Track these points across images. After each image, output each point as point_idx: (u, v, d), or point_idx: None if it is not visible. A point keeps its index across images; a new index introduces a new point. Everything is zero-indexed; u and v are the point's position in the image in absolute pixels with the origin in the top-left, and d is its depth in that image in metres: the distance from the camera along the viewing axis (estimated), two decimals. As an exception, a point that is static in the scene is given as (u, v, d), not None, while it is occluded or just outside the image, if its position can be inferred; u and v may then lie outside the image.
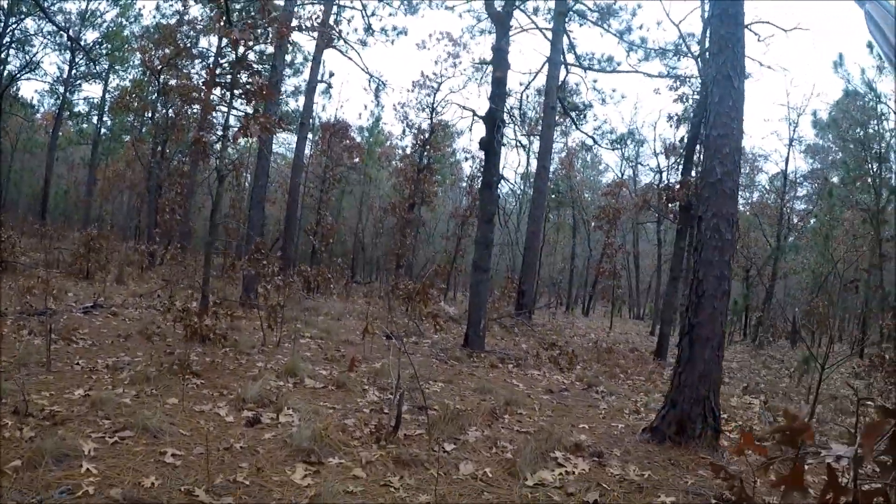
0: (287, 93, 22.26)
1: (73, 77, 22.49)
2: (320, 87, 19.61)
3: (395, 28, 19.83)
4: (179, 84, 17.03)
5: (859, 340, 16.46)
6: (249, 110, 8.79)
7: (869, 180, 17.31)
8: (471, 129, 33.99)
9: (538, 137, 17.69)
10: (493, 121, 9.19)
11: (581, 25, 19.04)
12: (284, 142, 27.40)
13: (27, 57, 20.38)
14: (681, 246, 11.37)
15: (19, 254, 11.28)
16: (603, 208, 20.66)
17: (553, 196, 24.84)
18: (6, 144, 22.95)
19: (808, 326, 15.54)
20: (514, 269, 23.26)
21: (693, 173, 12.05)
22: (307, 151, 21.76)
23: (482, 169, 10.61)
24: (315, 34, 8.73)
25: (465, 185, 24.70)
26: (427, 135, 20.03)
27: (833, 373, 9.59)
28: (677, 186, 11.73)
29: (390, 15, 22.55)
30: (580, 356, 9.55)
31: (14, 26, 19.03)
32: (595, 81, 32.84)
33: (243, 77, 8.62)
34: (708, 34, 11.52)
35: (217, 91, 15.62)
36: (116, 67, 23.02)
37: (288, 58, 21.51)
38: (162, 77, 17.84)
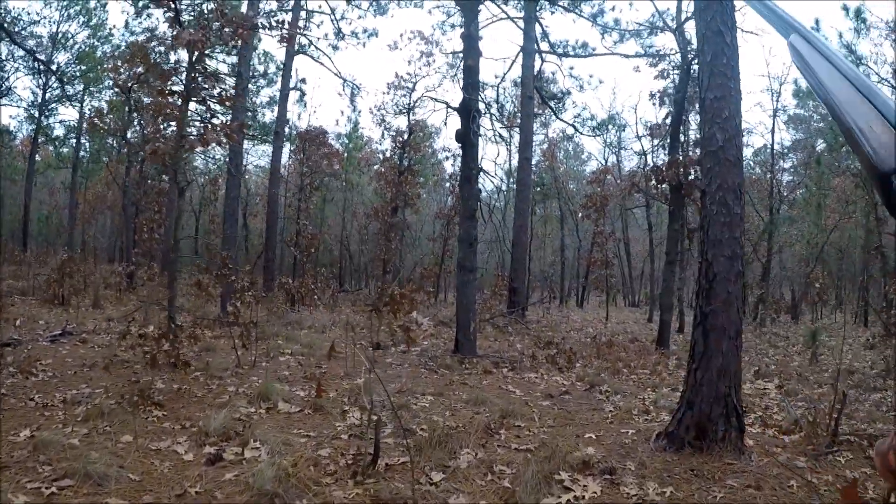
0: (262, 104, 21.69)
1: (47, 101, 21.85)
2: (293, 95, 19.06)
3: (365, 30, 19.41)
4: (152, 101, 16.36)
5: (862, 308, 16.11)
6: (216, 120, 8.22)
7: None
8: (445, 124, 33.45)
9: (518, 130, 17.16)
10: (468, 111, 8.66)
11: (553, 13, 18.57)
12: (263, 154, 26.80)
13: (0, 83, 19.64)
14: (674, 228, 10.91)
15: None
16: (590, 196, 20.13)
17: (538, 189, 24.35)
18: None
19: (814, 298, 15.13)
20: (503, 266, 22.74)
21: (679, 152, 11.64)
22: (284, 161, 21.19)
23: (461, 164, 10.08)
24: (281, 33, 8.17)
25: (447, 184, 24.14)
26: (406, 136, 19.43)
27: (842, 345, 9.17)
28: (665, 167, 11.26)
29: (360, 17, 21.97)
30: (579, 353, 9.04)
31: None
32: (572, 68, 32.26)
33: (202, 82, 8.03)
34: None
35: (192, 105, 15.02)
36: (91, 89, 22.32)
37: (261, 68, 20.94)
38: (133, 95, 17.20)
